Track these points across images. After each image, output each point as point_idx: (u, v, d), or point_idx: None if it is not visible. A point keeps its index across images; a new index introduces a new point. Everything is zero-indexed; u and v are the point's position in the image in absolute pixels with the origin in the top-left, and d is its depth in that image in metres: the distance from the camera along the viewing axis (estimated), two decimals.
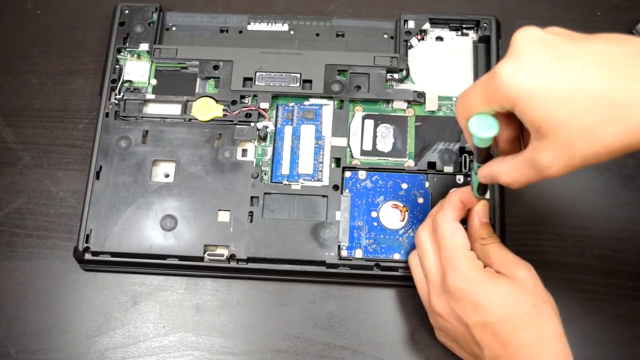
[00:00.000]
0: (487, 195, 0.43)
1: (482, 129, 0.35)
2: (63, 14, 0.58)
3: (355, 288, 0.48)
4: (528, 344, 0.37)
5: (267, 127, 0.50)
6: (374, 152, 0.50)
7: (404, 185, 0.49)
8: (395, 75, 0.52)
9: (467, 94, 0.36)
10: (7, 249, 0.51)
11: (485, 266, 0.40)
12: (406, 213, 0.48)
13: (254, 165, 0.49)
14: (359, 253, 0.47)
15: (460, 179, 0.49)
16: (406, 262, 0.46)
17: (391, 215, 0.48)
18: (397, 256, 0.47)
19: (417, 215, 0.48)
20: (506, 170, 0.36)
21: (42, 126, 0.54)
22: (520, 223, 0.50)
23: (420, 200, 0.48)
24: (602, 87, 0.31)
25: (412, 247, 0.47)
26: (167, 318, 0.48)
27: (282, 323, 0.48)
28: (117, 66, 0.52)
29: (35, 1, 0.58)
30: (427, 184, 0.49)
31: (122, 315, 0.48)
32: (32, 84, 0.55)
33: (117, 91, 0.52)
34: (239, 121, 0.50)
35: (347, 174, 0.49)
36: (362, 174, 0.49)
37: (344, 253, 0.47)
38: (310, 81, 0.51)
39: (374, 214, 0.48)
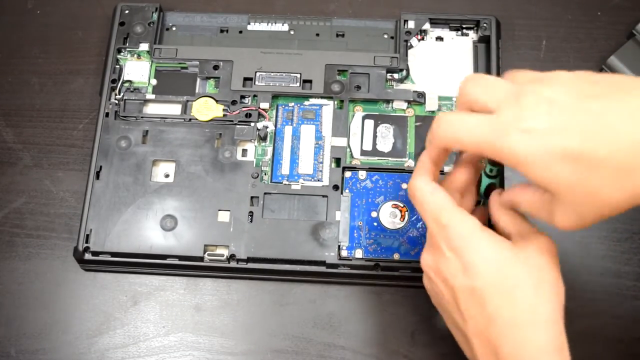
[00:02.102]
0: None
1: None
2: (63, 14, 0.58)
3: (355, 288, 0.48)
4: (518, 324, 0.33)
5: (267, 127, 0.50)
6: (374, 152, 0.50)
7: (404, 186, 0.49)
8: (395, 75, 0.52)
9: (457, 127, 0.34)
10: (7, 249, 0.50)
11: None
12: (406, 213, 0.48)
13: (254, 165, 0.49)
14: (359, 253, 0.47)
15: None
16: (406, 262, 0.46)
17: (391, 215, 0.48)
18: (397, 256, 0.47)
19: (417, 215, 0.48)
20: (524, 204, 0.36)
21: (42, 126, 0.54)
22: None
23: None
24: (605, 152, 0.30)
25: (412, 247, 0.47)
26: (167, 318, 0.48)
27: (282, 323, 0.48)
28: (117, 66, 0.52)
29: (35, 1, 0.58)
30: None
31: (122, 315, 0.48)
32: (32, 84, 0.55)
33: (117, 91, 0.52)
34: (239, 121, 0.50)
35: (347, 174, 0.49)
36: (362, 174, 0.49)
37: (344, 253, 0.47)
38: (310, 81, 0.51)
39: (374, 214, 0.48)
